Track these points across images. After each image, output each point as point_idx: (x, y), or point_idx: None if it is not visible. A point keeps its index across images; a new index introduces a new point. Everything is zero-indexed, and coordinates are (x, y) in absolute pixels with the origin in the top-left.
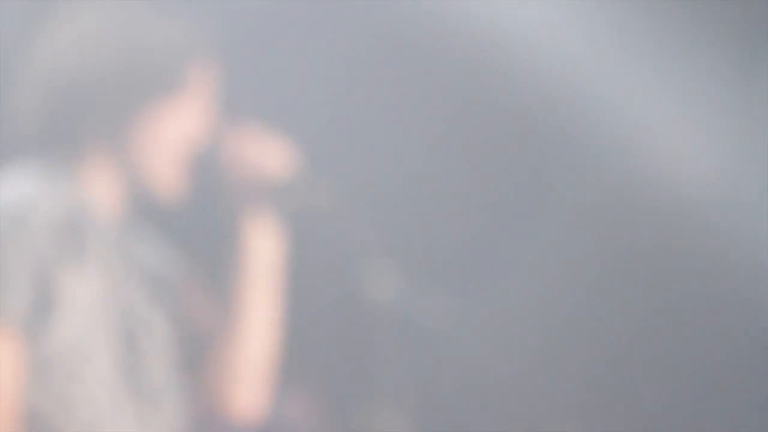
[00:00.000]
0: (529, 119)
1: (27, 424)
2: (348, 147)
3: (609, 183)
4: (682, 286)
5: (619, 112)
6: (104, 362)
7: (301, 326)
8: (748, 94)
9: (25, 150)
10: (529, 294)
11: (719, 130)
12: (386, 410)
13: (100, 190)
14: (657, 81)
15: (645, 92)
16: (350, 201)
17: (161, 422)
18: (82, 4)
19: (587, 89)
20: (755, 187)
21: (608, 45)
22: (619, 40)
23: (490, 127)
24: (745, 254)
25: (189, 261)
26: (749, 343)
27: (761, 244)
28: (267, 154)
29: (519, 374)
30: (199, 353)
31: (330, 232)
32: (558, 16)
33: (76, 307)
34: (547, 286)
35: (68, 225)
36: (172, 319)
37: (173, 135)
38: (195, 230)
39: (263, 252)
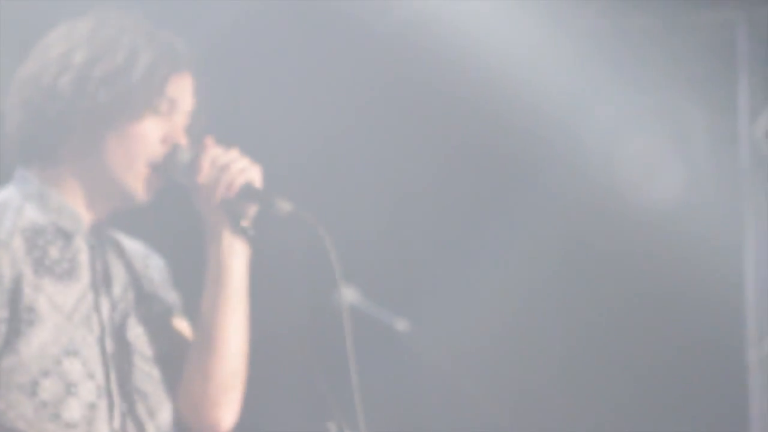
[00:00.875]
0: (509, 135)
1: None
2: (316, 158)
3: (585, 197)
4: (651, 295)
5: (598, 132)
6: (85, 374)
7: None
8: (714, 118)
9: (2, 165)
10: (503, 302)
11: (688, 148)
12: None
13: (78, 202)
14: (633, 103)
15: (621, 113)
16: (318, 213)
17: None
18: (60, 22)
19: (570, 115)
20: (718, 198)
21: (591, 71)
22: (603, 69)
23: (467, 144)
24: (710, 255)
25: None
26: (714, 340)
27: (723, 248)
28: (239, 166)
29: (485, 376)
30: (178, 363)
31: (296, 242)
32: (543, 43)
33: (56, 318)
34: (520, 295)
35: (45, 236)
36: (150, 328)
37: (149, 147)
38: (169, 240)
39: (237, 257)
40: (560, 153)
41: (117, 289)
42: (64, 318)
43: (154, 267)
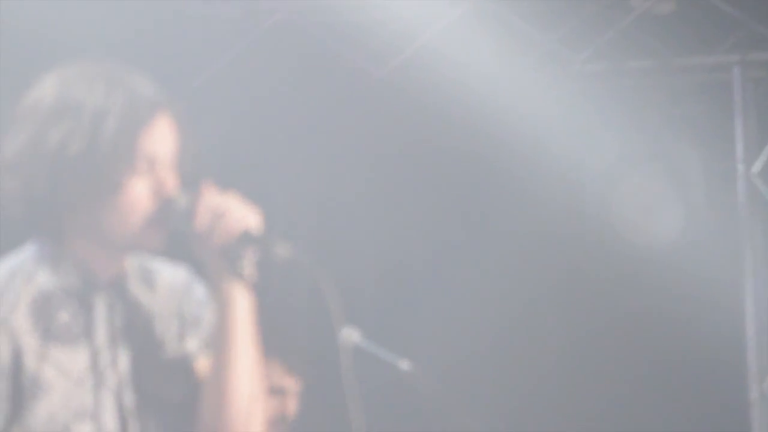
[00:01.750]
0: (506, 178)
1: None
2: (314, 198)
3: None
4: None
5: (595, 172)
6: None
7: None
8: (710, 158)
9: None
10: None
11: (685, 187)
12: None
13: (93, 259)
14: (630, 143)
15: (619, 153)
16: (317, 254)
17: None
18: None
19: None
20: (716, 236)
21: (588, 113)
22: (600, 110)
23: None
24: (709, 292)
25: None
26: (715, 378)
27: (722, 286)
28: (237, 213)
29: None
30: (191, 409)
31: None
32: (540, 84)
33: (64, 384)
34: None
35: (56, 302)
36: (172, 374)
37: (140, 207)
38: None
39: (239, 301)
40: (558, 192)
41: (138, 340)
42: (74, 383)
43: (195, 298)
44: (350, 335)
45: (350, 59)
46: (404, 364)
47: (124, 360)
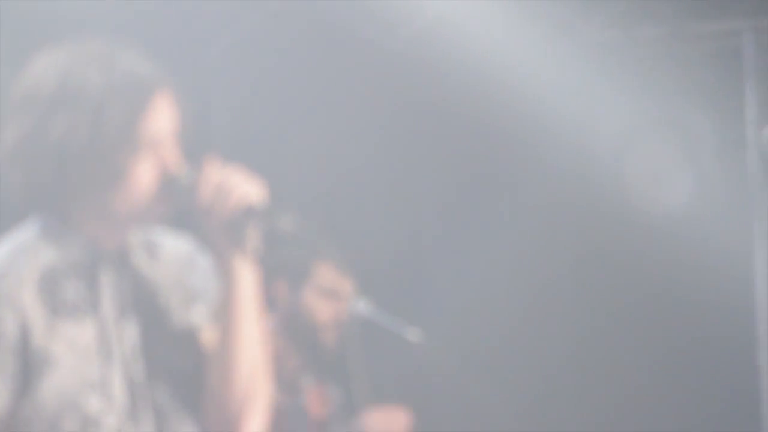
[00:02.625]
0: (517, 146)
1: None
2: (324, 170)
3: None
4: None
5: (606, 140)
6: (106, 408)
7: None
8: (721, 125)
9: (13, 208)
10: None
11: (696, 154)
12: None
13: (98, 233)
14: (641, 111)
15: (629, 121)
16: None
17: None
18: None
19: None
20: (727, 204)
21: (599, 81)
22: (611, 78)
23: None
24: (719, 260)
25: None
26: (725, 344)
27: (732, 253)
28: (240, 188)
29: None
30: (199, 379)
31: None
32: (551, 53)
33: (72, 358)
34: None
35: (61, 278)
36: (177, 345)
37: (145, 188)
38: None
39: (244, 275)
40: (569, 161)
41: (144, 312)
42: (81, 356)
43: (199, 269)
44: (359, 305)
45: (362, 31)
46: (412, 335)
47: (130, 332)
